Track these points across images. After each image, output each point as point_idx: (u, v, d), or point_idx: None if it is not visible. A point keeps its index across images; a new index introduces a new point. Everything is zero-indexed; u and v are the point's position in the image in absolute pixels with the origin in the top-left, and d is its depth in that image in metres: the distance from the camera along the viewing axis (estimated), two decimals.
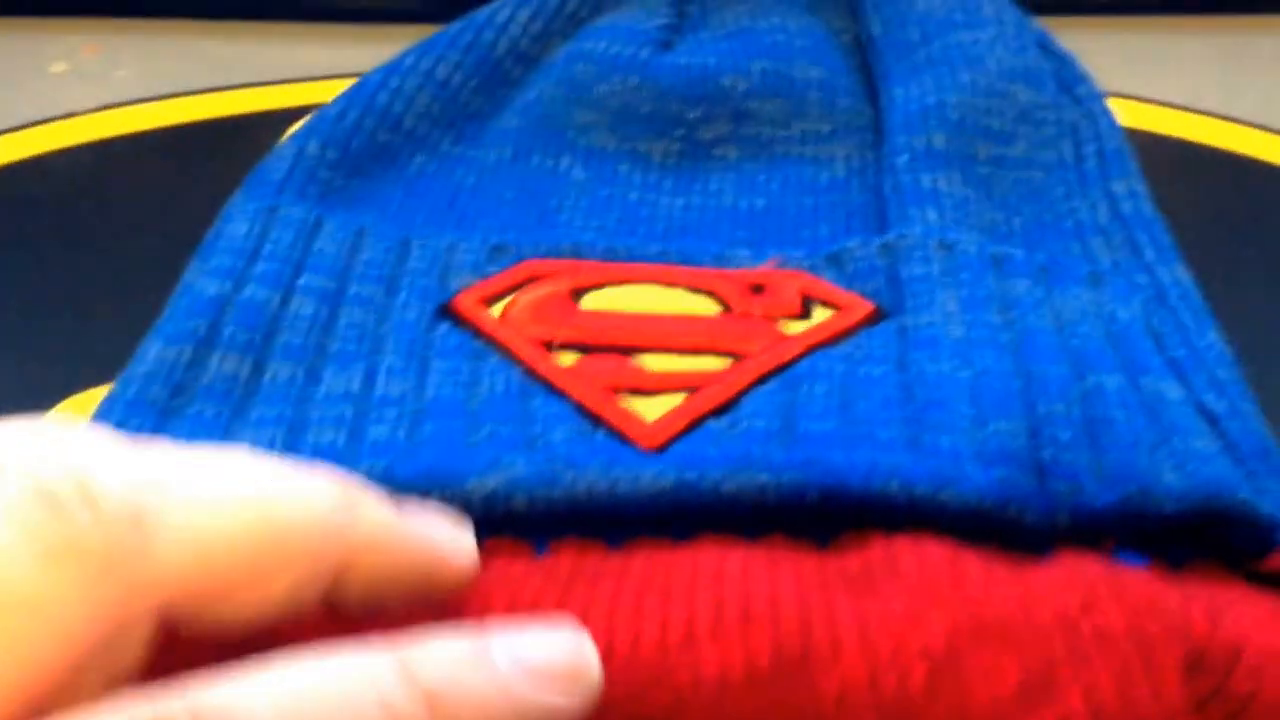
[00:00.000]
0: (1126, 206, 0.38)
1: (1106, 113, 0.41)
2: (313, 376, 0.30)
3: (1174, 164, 0.46)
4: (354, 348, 0.31)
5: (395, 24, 0.52)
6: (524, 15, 0.44)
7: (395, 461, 0.27)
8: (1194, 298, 0.35)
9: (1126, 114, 0.46)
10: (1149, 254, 0.36)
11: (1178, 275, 0.35)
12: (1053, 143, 0.40)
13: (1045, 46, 0.43)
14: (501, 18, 0.43)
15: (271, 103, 0.50)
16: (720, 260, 0.35)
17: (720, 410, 0.29)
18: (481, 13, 0.44)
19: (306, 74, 0.52)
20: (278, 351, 0.31)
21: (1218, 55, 0.51)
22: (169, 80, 0.52)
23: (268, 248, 0.33)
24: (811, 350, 0.31)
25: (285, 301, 0.32)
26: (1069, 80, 0.42)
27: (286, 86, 0.51)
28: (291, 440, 0.28)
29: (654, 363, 0.31)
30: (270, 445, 0.28)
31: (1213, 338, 0.33)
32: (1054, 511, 0.27)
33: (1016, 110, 0.40)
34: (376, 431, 0.29)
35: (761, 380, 0.30)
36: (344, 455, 0.28)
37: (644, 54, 0.42)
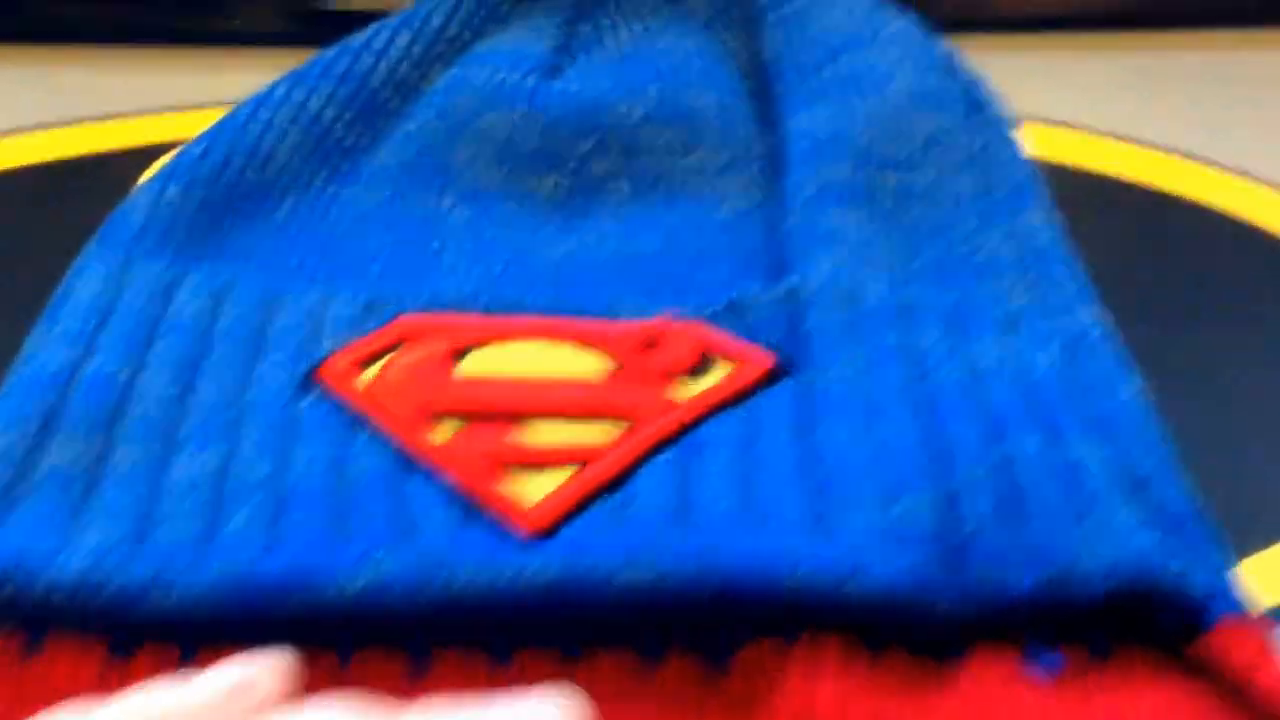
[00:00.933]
0: (1039, 239, 0.36)
1: (1014, 137, 0.39)
2: (165, 460, 0.27)
3: (1080, 190, 0.44)
4: (212, 425, 0.28)
5: (275, 48, 0.48)
6: (403, 39, 0.41)
7: (254, 559, 0.25)
8: (1112, 342, 0.33)
9: (1033, 138, 0.44)
10: (1065, 293, 0.34)
11: (1095, 318, 0.33)
12: (961, 170, 0.38)
13: (952, 67, 0.41)
14: (379, 43, 0.40)
15: (138, 137, 0.46)
16: (611, 311, 0.32)
17: (611, 486, 0.27)
18: (357, 38, 0.41)
19: (178, 103, 0.48)
20: (127, 432, 0.28)
21: (1127, 75, 0.49)
22: (21, 113, 0.48)
23: (120, 311, 0.30)
24: (708, 413, 0.29)
25: (137, 373, 0.29)
26: (977, 102, 0.40)
27: (155, 118, 0.48)
28: (140, 537, 0.25)
29: (540, 432, 0.29)
30: (116, 544, 0.25)
31: (1134, 387, 0.31)
32: (969, 599, 0.25)
33: (923, 137, 0.38)
34: (235, 523, 0.26)
35: (655, 450, 0.28)
36: (197, 553, 0.25)
37: (530, 82, 0.39)
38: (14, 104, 0.49)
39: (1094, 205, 0.43)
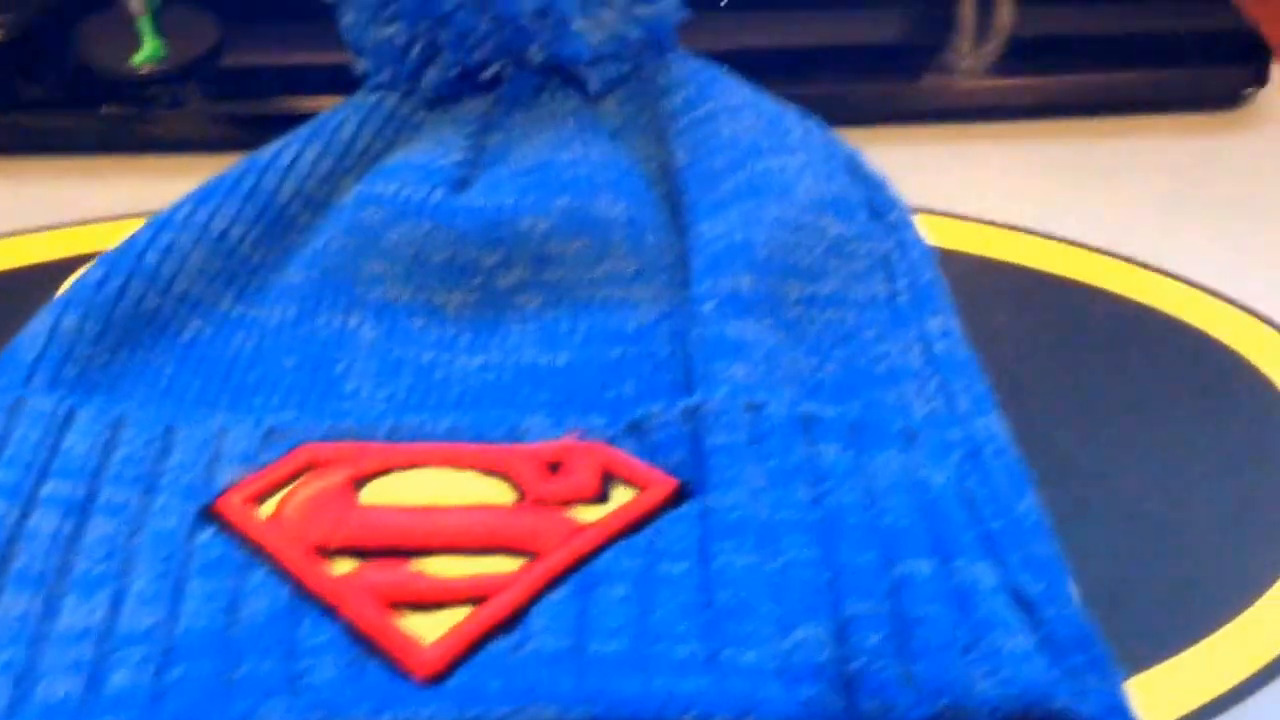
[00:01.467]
0: (940, 347, 0.36)
1: (919, 241, 0.39)
2: (51, 608, 0.27)
3: (987, 283, 0.44)
4: (101, 569, 0.28)
5: (204, 154, 0.48)
6: (311, 154, 0.41)
7: (138, 717, 0.24)
8: (1009, 454, 0.33)
9: (938, 231, 0.44)
10: (963, 403, 0.34)
11: (993, 429, 0.33)
12: (865, 277, 0.38)
13: (856, 170, 0.41)
14: (285, 159, 0.40)
15: (66, 249, 0.46)
16: (515, 434, 0.32)
17: (507, 625, 0.27)
18: (264, 153, 0.40)
19: (106, 213, 0.47)
20: (12, 579, 0.27)
21: (1032, 167, 0.50)
22: None
23: (9, 451, 0.30)
24: (609, 542, 0.29)
25: (25, 516, 0.28)
26: (881, 206, 0.40)
27: (82, 228, 0.47)
28: (20, 694, 0.25)
29: (438, 566, 0.28)
30: None
31: (1029, 502, 0.31)
32: None
33: (827, 244, 0.38)
34: (119, 678, 0.25)
35: (553, 585, 0.28)
36: (79, 711, 0.25)
37: (437, 196, 0.39)
38: None
39: (1005, 295, 0.44)
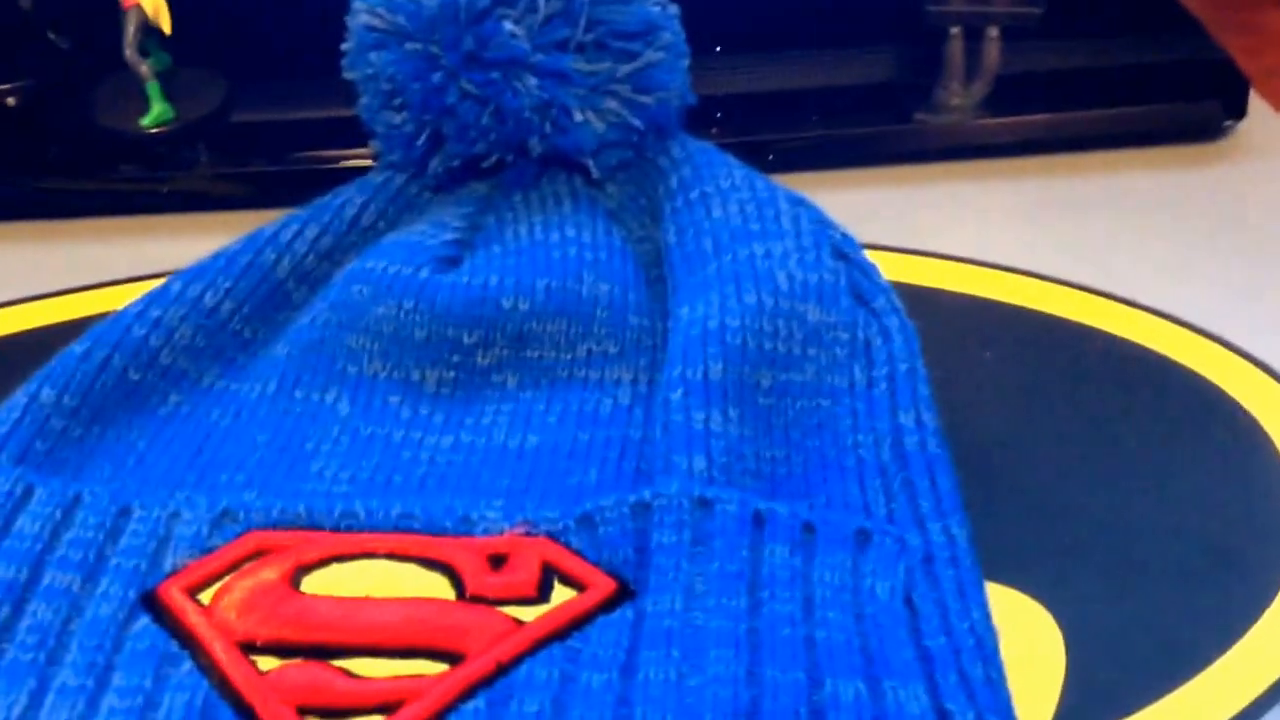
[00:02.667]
0: (910, 443, 0.35)
1: (904, 328, 0.38)
2: None
3: (975, 321, 0.44)
4: (29, 658, 0.27)
5: (217, 212, 0.48)
6: (312, 231, 0.40)
7: None
8: (963, 561, 0.31)
9: (928, 270, 0.44)
10: (925, 504, 0.33)
11: (951, 534, 0.32)
12: (844, 365, 0.37)
13: (845, 254, 0.40)
14: (287, 235, 0.40)
15: (79, 311, 0.46)
16: (465, 524, 0.32)
17: None
18: (266, 229, 0.40)
19: (116, 274, 0.48)
20: None
21: (1018, 204, 0.49)
22: None
23: None
24: (536, 647, 0.28)
25: None
26: (867, 292, 0.39)
27: (94, 292, 0.47)
28: None
29: (361, 666, 0.28)
30: None
31: (975, 617, 0.30)
32: None
33: (806, 331, 0.37)
34: None
35: (470, 692, 0.27)
36: None
37: (424, 274, 0.38)
38: None
39: (992, 332, 0.43)
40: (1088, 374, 0.42)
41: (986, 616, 0.30)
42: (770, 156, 0.49)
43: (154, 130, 0.52)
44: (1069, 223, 0.48)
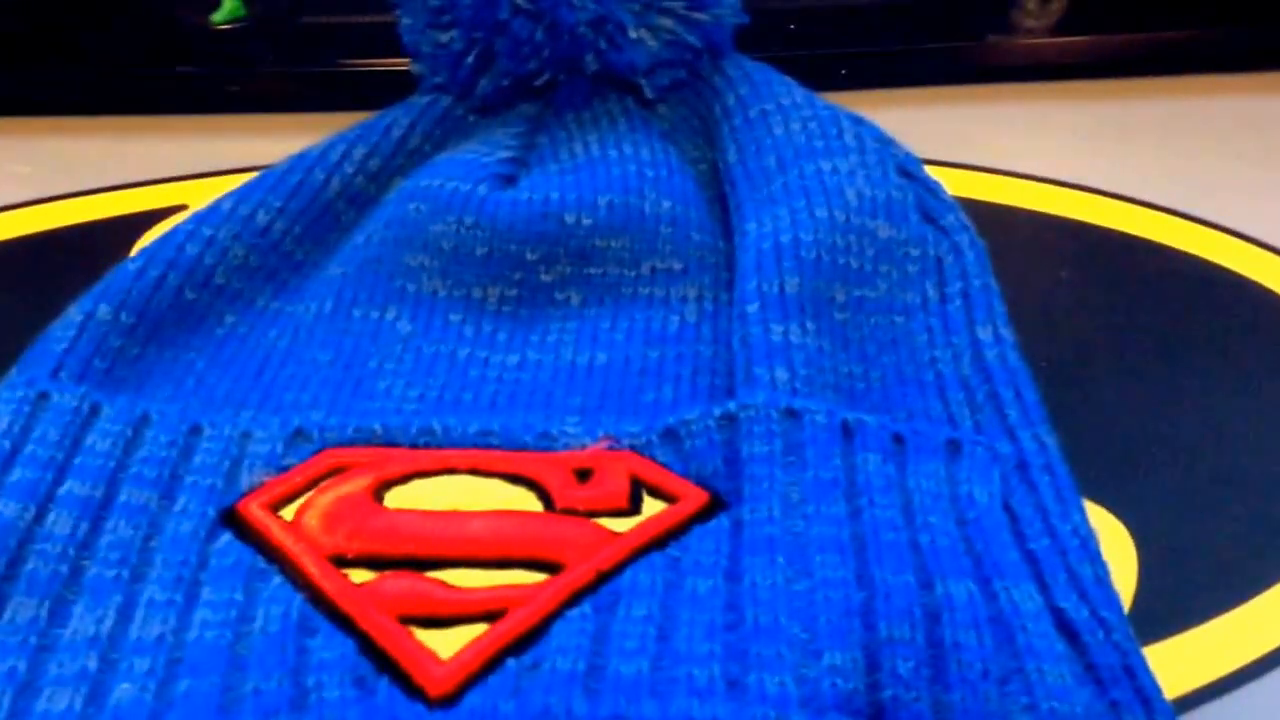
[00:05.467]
0: (991, 355, 0.34)
1: (975, 244, 0.37)
2: (59, 615, 0.25)
3: (1049, 239, 0.43)
4: (113, 574, 0.26)
5: (282, 113, 0.46)
6: (360, 152, 0.39)
7: None
8: (1058, 468, 0.30)
9: (1002, 188, 0.43)
10: (1013, 414, 0.32)
11: (1042, 441, 0.31)
12: (915, 282, 0.36)
13: (909, 173, 0.39)
14: (334, 155, 0.39)
15: (145, 204, 0.45)
16: (546, 440, 0.30)
17: (524, 643, 0.25)
18: (313, 150, 0.39)
19: (183, 171, 0.46)
20: (22, 583, 0.26)
21: (1096, 125, 0.48)
22: (20, 186, 0.47)
23: (29, 447, 0.28)
24: (635, 555, 0.27)
25: (40, 517, 0.27)
26: (934, 210, 0.38)
27: (162, 187, 0.46)
28: (20, 707, 0.23)
29: (458, 578, 0.27)
30: None
31: (1076, 520, 0.29)
32: None
33: (877, 247, 0.36)
34: (122, 692, 0.24)
35: (573, 600, 0.26)
36: None
37: (482, 190, 0.37)
38: (21, 175, 0.48)
39: (1067, 250, 0.42)
40: (1163, 292, 0.41)
41: (1086, 520, 0.29)
42: (843, 71, 0.48)
43: (224, 26, 0.50)
44: (1144, 145, 0.47)
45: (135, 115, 0.50)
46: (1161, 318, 0.40)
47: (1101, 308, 0.40)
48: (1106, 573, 0.27)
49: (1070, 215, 0.43)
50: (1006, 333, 0.34)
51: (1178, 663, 0.30)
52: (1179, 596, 0.31)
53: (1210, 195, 0.44)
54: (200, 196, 0.44)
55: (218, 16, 0.50)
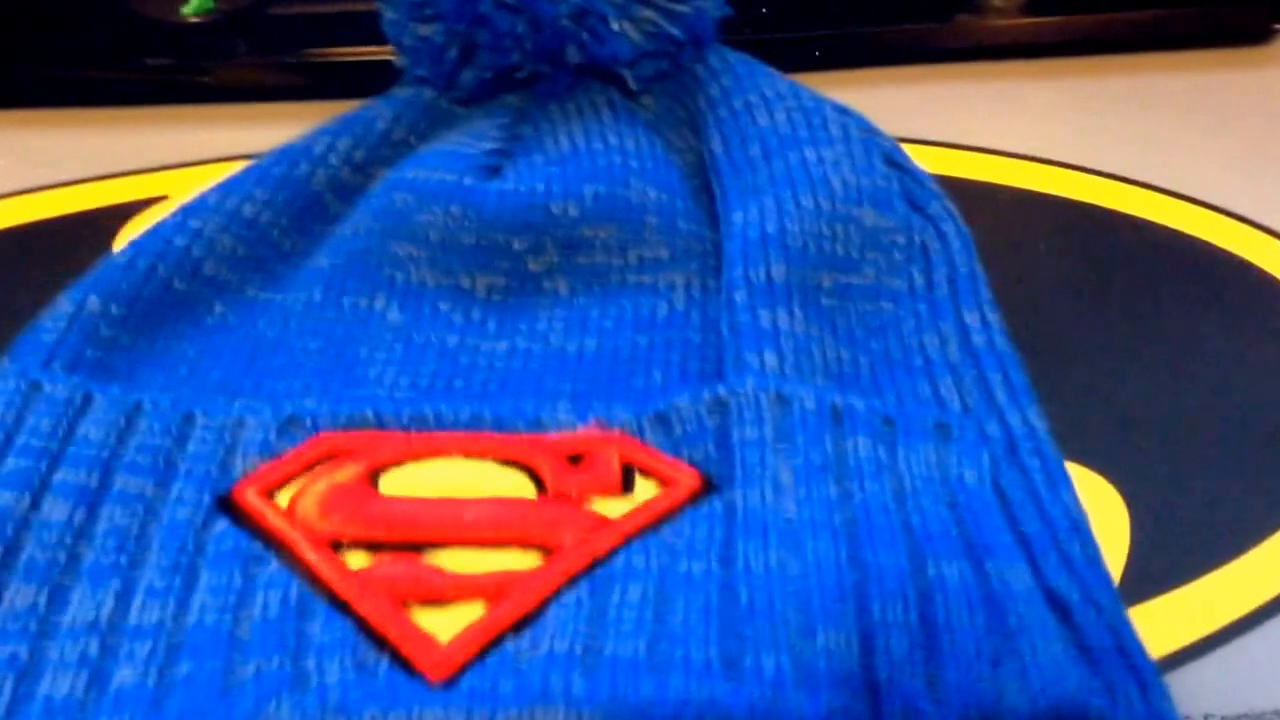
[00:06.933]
0: (978, 340, 0.34)
1: (960, 232, 0.37)
2: (58, 601, 0.25)
3: (1021, 214, 0.43)
4: (110, 560, 0.26)
5: (253, 103, 0.46)
6: (345, 144, 0.39)
7: (139, 717, 0.23)
8: (1047, 450, 0.31)
9: (971, 164, 0.43)
10: (1000, 396, 0.32)
11: (1030, 422, 0.31)
12: (902, 269, 0.36)
13: (895, 161, 0.39)
14: (319, 148, 0.38)
15: (125, 195, 0.45)
16: (537, 425, 0.31)
17: (522, 624, 0.25)
18: (297, 143, 0.39)
19: (159, 162, 0.46)
20: (20, 570, 0.26)
21: (1066, 101, 0.49)
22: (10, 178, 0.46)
23: (22, 436, 0.28)
24: (630, 539, 0.27)
25: (36, 504, 0.27)
26: (920, 198, 0.38)
27: (141, 177, 0.46)
28: (21, 693, 0.23)
29: (454, 561, 0.27)
30: None
31: (1066, 500, 0.29)
32: None
33: (863, 234, 0.36)
34: (123, 675, 0.24)
35: (570, 583, 0.26)
36: (82, 712, 0.23)
37: (468, 180, 0.37)
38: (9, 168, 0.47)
39: (1040, 224, 0.43)
40: (1139, 262, 0.42)
41: (1076, 499, 0.29)
42: (816, 53, 0.48)
43: (193, 19, 0.49)
44: (1111, 121, 0.48)
45: (109, 107, 0.49)
46: (1139, 286, 0.40)
47: (1079, 278, 0.41)
48: (1097, 552, 0.28)
49: (1044, 190, 0.44)
50: (993, 317, 0.35)
51: (1171, 620, 0.31)
52: (1170, 554, 0.32)
53: (1176, 167, 0.45)
54: (181, 187, 0.44)
55: (187, 9, 0.50)
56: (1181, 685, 0.29)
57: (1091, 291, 0.40)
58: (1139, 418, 0.36)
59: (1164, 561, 0.32)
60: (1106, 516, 0.33)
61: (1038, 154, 0.45)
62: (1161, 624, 0.31)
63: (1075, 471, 0.33)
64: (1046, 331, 0.38)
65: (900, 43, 0.49)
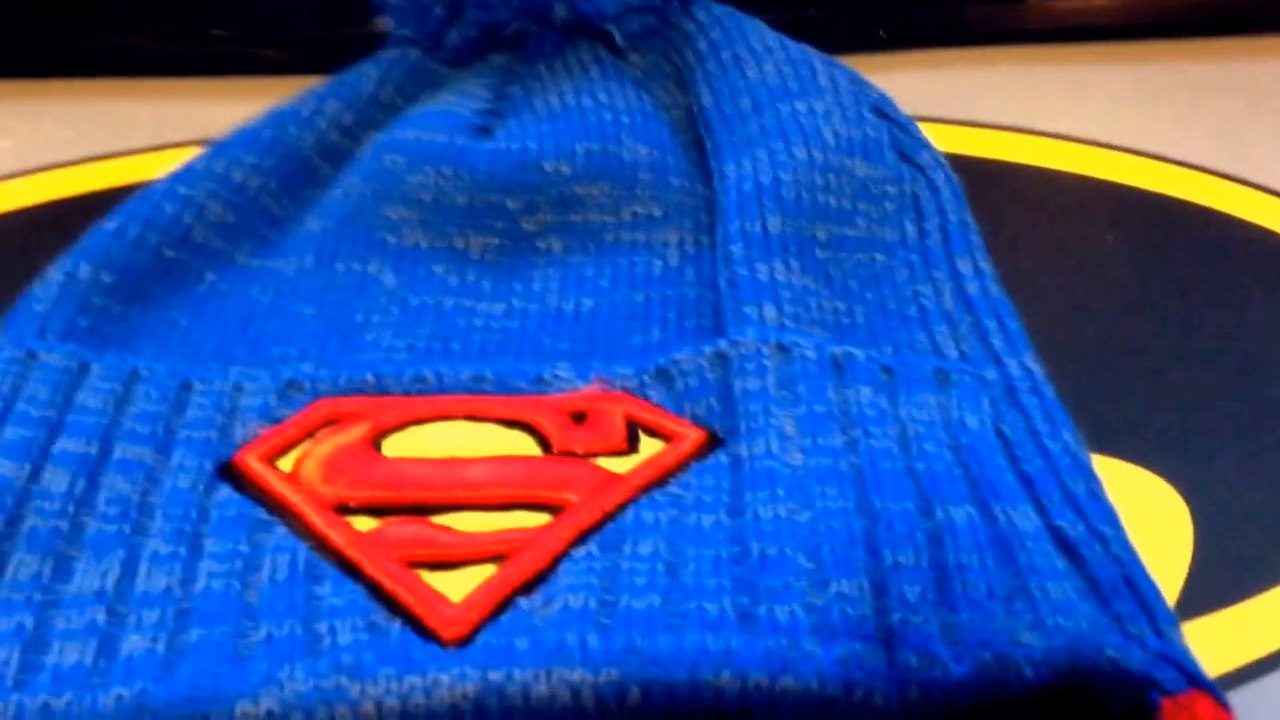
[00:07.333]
0: (972, 288, 0.34)
1: (950, 182, 0.37)
2: (62, 571, 0.25)
3: (1090, 203, 0.42)
4: (114, 530, 0.26)
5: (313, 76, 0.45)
6: (332, 107, 0.38)
7: (151, 684, 0.23)
8: (1045, 392, 0.31)
9: (1040, 151, 0.42)
10: (997, 343, 0.32)
11: (1028, 366, 0.31)
12: (894, 219, 0.36)
13: (883, 112, 0.39)
14: (307, 111, 0.38)
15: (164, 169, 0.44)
16: (539, 384, 0.30)
17: (534, 583, 0.25)
18: (285, 106, 0.38)
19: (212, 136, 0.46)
20: (22, 540, 0.25)
21: (1140, 87, 0.47)
22: (58, 148, 0.46)
23: (20, 406, 0.28)
24: (638, 494, 0.27)
25: (36, 474, 0.26)
26: (909, 148, 0.38)
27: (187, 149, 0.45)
28: (29, 664, 0.23)
29: (462, 522, 0.27)
30: (2, 671, 0.23)
31: (1066, 439, 0.29)
32: (905, 688, 0.23)
33: (855, 185, 0.36)
34: (132, 644, 0.23)
35: (581, 540, 0.26)
36: (92, 680, 0.23)
37: (459, 141, 0.37)
38: (61, 137, 0.47)
39: (1100, 212, 0.41)
40: (1217, 259, 0.40)
41: (1077, 438, 0.29)
42: (883, 34, 0.47)
43: None
44: (1187, 108, 0.46)
45: (170, 78, 0.49)
46: (1215, 284, 0.39)
47: (1152, 273, 0.39)
48: (1100, 487, 0.28)
49: (1114, 178, 0.42)
50: (986, 265, 0.35)
51: (1237, 634, 0.29)
52: (1237, 564, 0.30)
53: (1255, 158, 0.43)
54: None
55: None
56: (1247, 702, 0.26)
57: (1160, 284, 0.38)
58: (1207, 418, 0.34)
59: (1230, 572, 0.30)
60: (1168, 522, 0.31)
61: (1109, 140, 0.43)
62: (1227, 638, 0.29)
63: (1135, 474, 0.32)
64: (1111, 324, 0.36)
65: (971, 23, 0.48)
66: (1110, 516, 0.27)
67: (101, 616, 0.24)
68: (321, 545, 0.26)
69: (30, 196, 0.43)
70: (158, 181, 0.35)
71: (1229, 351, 0.36)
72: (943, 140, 0.39)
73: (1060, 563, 0.25)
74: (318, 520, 0.26)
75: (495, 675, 0.23)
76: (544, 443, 0.29)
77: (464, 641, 0.24)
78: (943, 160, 0.38)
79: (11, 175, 0.45)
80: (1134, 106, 0.46)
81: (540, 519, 0.27)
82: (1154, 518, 0.28)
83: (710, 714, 0.23)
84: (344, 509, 0.27)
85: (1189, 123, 0.45)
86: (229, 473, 0.27)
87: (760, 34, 0.40)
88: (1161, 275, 0.39)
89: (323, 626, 0.24)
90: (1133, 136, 0.44)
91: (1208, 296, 0.38)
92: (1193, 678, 0.23)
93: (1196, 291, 0.38)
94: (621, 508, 0.27)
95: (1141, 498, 0.29)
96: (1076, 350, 0.33)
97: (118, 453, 0.27)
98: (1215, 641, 0.28)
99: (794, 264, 0.33)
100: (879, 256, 0.35)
